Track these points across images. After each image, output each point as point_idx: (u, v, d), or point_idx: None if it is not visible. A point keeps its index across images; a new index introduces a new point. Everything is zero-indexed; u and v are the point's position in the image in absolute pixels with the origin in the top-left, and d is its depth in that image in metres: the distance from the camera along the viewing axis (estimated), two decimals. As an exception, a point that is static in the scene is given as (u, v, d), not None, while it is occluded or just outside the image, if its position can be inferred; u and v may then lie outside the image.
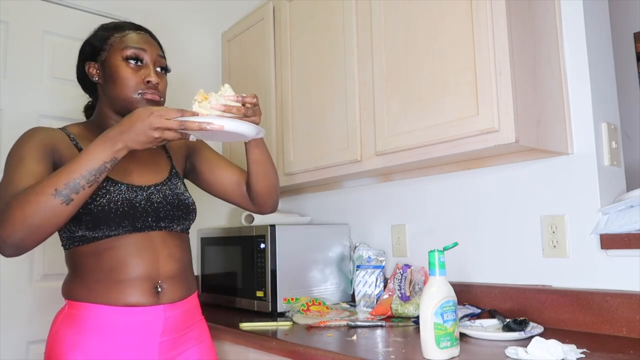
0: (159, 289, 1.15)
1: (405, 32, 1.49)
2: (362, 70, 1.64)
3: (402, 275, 1.69)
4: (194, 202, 1.30)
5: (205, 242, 2.10)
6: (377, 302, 1.72)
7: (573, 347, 1.09)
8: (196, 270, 2.08)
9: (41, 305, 1.80)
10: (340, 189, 2.11)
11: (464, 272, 1.63)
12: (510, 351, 1.08)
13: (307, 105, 1.85)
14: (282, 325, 1.56)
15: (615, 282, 1.31)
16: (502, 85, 1.24)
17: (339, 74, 1.71)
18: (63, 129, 1.20)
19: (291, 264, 1.81)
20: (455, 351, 1.10)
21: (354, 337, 1.35)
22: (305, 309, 1.69)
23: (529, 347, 1.06)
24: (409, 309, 1.59)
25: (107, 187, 1.13)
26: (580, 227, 1.39)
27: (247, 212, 1.99)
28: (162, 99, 1.23)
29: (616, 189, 1.43)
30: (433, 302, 1.09)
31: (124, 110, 1.17)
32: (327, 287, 1.90)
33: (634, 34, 2.35)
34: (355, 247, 1.88)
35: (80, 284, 1.13)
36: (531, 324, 1.32)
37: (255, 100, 1.12)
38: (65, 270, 1.19)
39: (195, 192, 1.39)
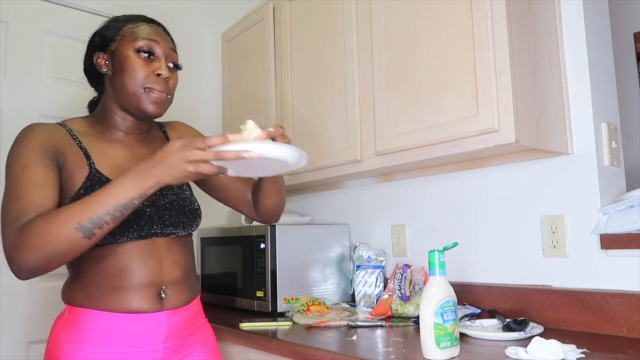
0: (163, 295, 1.12)
1: (405, 32, 1.49)
2: (362, 70, 1.64)
3: (402, 275, 1.69)
4: (199, 207, 1.26)
5: (205, 242, 2.10)
6: (377, 302, 1.72)
7: (573, 347, 1.09)
8: (196, 270, 2.08)
9: (41, 305, 1.80)
10: (340, 189, 2.11)
11: (464, 272, 1.63)
12: (510, 351, 1.08)
13: (307, 105, 1.85)
14: (282, 325, 1.56)
15: (615, 282, 1.31)
16: (502, 85, 1.24)
17: (339, 74, 1.71)
18: (63, 124, 1.15)
19: (291, 264, 1.81)
20: (455, 351, 1.10)
21: (354, 337, 1.34)
22: (305, 309, 1.69)
23: (529, 347, 1.06)
24: (409, 309, 1.59)
25: None
26: (580, 227, 1.39)
27: (248, 213, 1.98)
28: (169, 96, 1.17)
29: (616, 189, 1.43)
30: (433, 302, 1.09)
31: (129, 105, 1.13)
32: (327, 287, 1.90)
33: (634, 34, 2.35)
34: (355, 247, 1.88)
35: (81, 289, 1.09)
36: (531, 324, 1.32)
37: (282, 130, 1.03)
38: (65, 270, 1.17)
39: (195, 192, 1.38)
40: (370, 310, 1.70)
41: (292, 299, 1.74)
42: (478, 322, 1.40)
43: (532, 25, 1.36)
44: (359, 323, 1.50)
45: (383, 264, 1.81)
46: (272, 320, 1.60)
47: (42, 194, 1.00)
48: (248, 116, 2.15)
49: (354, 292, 1.83)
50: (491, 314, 1.45)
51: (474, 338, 1.27)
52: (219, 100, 2.42)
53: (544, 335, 1.18)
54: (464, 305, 1.55)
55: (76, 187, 1.07)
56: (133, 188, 0.95)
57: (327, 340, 1.32)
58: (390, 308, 1.62)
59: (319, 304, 1.73)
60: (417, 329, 1.18)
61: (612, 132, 1.44)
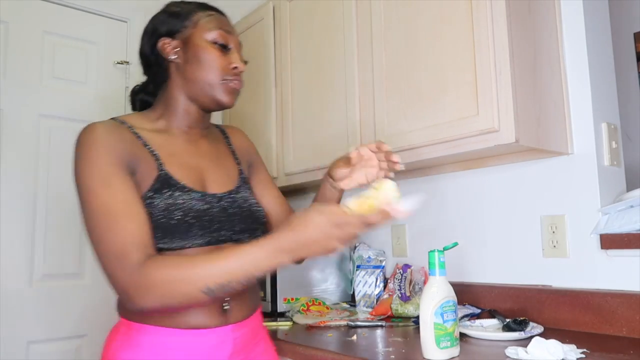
0: (226, 307, 1.03)
1: (405, 32, 1.49)
2: (362, 70, 1.64)
3: (402, 275, 1.69)
4: (264, 213, 1.18)
5: (205, 242, 2.10)
6: (377, 302, 1.72)
7: (573, 347, 1.09)
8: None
9: (41, 305, 1.80)
10: (340, 189, 2.11)
11: (464, 272, 1.63)
12: (510, 351, 1.08)
13: (307, 105, 1.85)
14: (282, 325, 1.56)
15: (615, 282, 1.31)
16: (502, 85, 1.24)
17: (339, 74, 1.71)
18: (122, 121, 1.05)
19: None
20: (455, 351, 1.10)
21: (354, 337, 1.34)
22: (305, 309, 1.69)
23: (529, 347, 1.06)
24: (409, 309, 1.59)
25: (182, 197, 1.01)
26: (580, 227, 1.39)
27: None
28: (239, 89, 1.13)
29: (616, 189, 1.43)
30: (433, 302, 1.09)
31: (202, 94, 1.08)
32: (327, 287, 1.90)
33: (634, 34, 2.35)
34: (355, 247, 1.88)
35: None
36: (531, 324, 1.32)
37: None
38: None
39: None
40: (370, 310, 1.70)
41: (292, 299, 1.74)
42: (478, 322, 1.40)
43: (532, 25, 1.36)
44: (359, 323, 1.51)
45: (383, 264, 1.81)
46: (272, 320, 1.60)
47: (139, 219, 0.93)
48: (248, 115, 2.16)
49: (354, 292, 1.83)
50: (491, 314, 1.45)
51: (474, 338, 1.27)
52: (219, 100, 2.42)
53: (544, 335, 1.17)
54: (464, 305, 1.55)
55: (144, 189, 1.00)
56: (271, 264, 0.91)
57: (327, 340, 1.32)
58: (390, 308, 1.62)
59: (319, 304, 1.73)
60: (417, 329, 1.18)
61: (612, 132, 1.44)
